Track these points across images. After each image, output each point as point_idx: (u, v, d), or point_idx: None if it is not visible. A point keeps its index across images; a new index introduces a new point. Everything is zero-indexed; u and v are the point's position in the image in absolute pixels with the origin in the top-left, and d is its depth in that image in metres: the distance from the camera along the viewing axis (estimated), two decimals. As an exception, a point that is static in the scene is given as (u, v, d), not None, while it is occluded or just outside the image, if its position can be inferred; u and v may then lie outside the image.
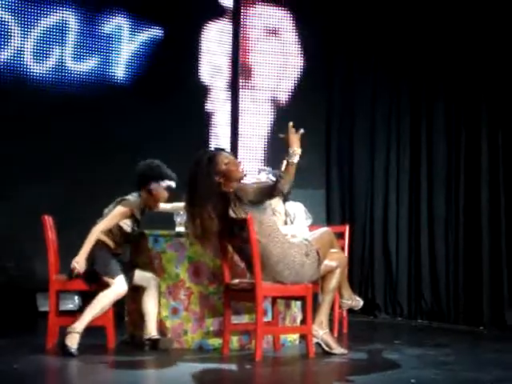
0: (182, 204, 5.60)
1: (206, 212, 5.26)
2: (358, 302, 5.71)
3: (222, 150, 5.74)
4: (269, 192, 5.28)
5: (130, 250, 5.90)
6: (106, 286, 5.51)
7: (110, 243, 5.62)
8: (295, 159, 5.16)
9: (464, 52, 7.54)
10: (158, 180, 5.63)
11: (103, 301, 5.44)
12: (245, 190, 5.33)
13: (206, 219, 5.27)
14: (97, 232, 5.54)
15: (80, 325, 5.37)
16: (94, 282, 5.56)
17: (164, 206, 5.88)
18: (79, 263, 5.47)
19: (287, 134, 5.19)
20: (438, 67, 7.75)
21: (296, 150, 5.15)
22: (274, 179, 6.08)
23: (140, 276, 5.68)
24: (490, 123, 7.32)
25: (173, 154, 7.50)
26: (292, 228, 6.24)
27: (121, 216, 5.60)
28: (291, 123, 5.21)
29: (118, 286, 5.48)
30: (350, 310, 6.07)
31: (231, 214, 5.28)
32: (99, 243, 5.57)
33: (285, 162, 5.18)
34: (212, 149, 5.54)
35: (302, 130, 5.23)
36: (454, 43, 7.61)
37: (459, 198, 7.49)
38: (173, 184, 5.65)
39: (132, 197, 5.67)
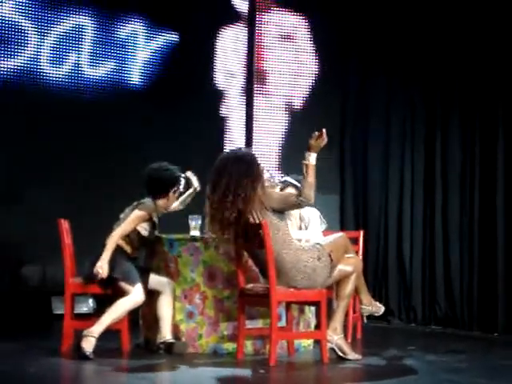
0: (185, 196, 5.89)
1: (226, 207, 5.28)
2: (379, 308, 5.70)
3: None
4: (294, 202, 5.35)
5: (145, 254, 5.93)
6: (122, 291, 5.53)
7: (128, 248, 5.65)
8: (311, 160, 5.30)
9: (478, 55, 7.50)
10: (179, 181, 5.76)
11: (121, 308, 5.47)
12: (270, 196, 5.37)
13: (224, 214, 5.28)
14: (116, 237, 5.56)
15: (97, 329, 5.39)
16: (110, 286, 5.58)
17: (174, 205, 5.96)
18: (103, 269, 5.49)
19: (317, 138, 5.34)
20: (452, 70, 7.71)
21: (311, 155, 5.31)
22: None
23: (155, 280, 5.69)
24: (505, 128, 7.28)
25: (187, 158, 7.54)
26: (306, 233, 6.26)
27: (138, 220, 5.63)
28: (324, 130, 5.36)
29: (136, 295, 5.49)
30: (369, 316, 6.06)
31: (250, 218, 5.29)
32: (118, 248, 5.59)
33: (304, 167, 5.31)
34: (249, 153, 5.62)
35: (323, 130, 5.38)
36: (468, 47, 7.58)
37: (474, 203, 7.45)
38: (184, 176, 5.83)
39: (148, 201, 5.70)
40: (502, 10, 7.33)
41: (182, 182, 5.78)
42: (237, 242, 5.43)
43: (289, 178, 6.37)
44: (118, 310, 5.46)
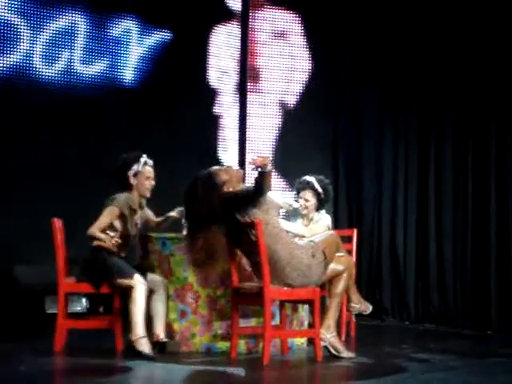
0: (174, 213, 5.79)
1: (211, 233, 5.32)
2: (367, 307, 5.72)
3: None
4: (250, 198, 5.32)
5: (139, 253, 5.92)
6: (116, 287, 5.53)
7: (114, 248, 5.62)
8: (267, 169, 5.17)
9: (470, 60, 7.52)
10: (136, 161, 5.67)
11: (138, 304, 5.43)
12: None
13: (212, 241, 5.32)
14: (95, 228, 5.53)
15: (138, 330, 5.38)
16: (103, 285, 5.57)
17: (159, 219, 5.93)
18: (113, 234, 5.51)
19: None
20: (447, 70, 7.71)
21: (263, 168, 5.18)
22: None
23: (149, 279, 5.68)
24: (498, 132, 7.31)
25: (181, 157, 7.56)
26: (293, 226, 6.24)
27: (111, 214, 5.60)
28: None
29: (139, 286, 5.46)
30: (358, 314, 6.07)
31: (238, 217, 5.31)
32: (104, 250, 5.57)
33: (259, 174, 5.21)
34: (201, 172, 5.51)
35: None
36: (462, 47, 7.59)
37: (467, 202, 7.47)
38: (145, 157, 5.71)
39: (119, 195, 5.67)
40: (493, 20, 7.34)
41: (142, 161, 5.67)
42: (230, 241, 5.43)
43: (313, 179, 6.35)
44: (137, 306, 5.42)
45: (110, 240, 5.51)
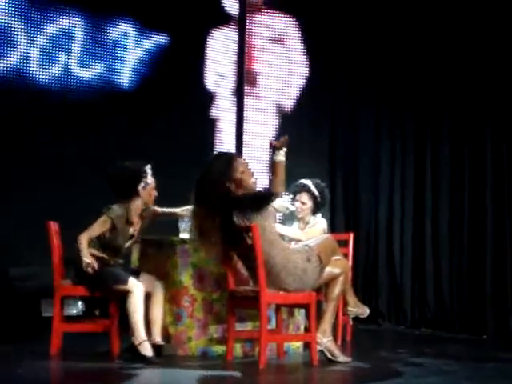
0: (179, 209, 5.74)
1: (208, 213, 5.29)
2: (365, 310, 5.72)
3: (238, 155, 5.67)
4: (264, 198, 5.30)
5: (136, 257, 5.91)
6: (113, 294, 5.53)
7: (106, 257, 5.62)
8: (279, 158, 5.18)
9: (466, 65, 7.55)
10: (145, 172, 5.64)
11: (136, 308, 5.41)
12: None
13: (206, 221, 5.29)
14: (84, 238, 5.48)
15: (141, 334, 5.37)
16: (99, 289, 5.57)
17: (169, 211, 5.89)
18: (89, 263, 5.44)
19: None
20: (443, 73, 7.76)
21: (280, 152, 5.18)
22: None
23: (145, 282, 5.67)
24: (494, 138, 7.33)
25: (177, 160, 7.56)
26: (289, 230, 6.25)
27: (103, 225, 5.54)
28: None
29: (136, 290, 5.44)
30: (355, 318, 6.08)
31: (235, 220, 5.30)
32: (97, 259, 5.55)
33: (275, 166, 5.21)
34: (229, 152, 5.44)
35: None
36: (460, 48, 7.62)
37: (464, 205, 7.50)
38: (149, 166, 5.67)
39: (115, 207, 5.60)
40: (489, 25, 7.37)
41: (149, 172, 5.64)
42: (226, 244, 5.43)
43: (309, 183, 6.36)
44: (135, 309, 5.40)
45: (87, 266, 5.42)
